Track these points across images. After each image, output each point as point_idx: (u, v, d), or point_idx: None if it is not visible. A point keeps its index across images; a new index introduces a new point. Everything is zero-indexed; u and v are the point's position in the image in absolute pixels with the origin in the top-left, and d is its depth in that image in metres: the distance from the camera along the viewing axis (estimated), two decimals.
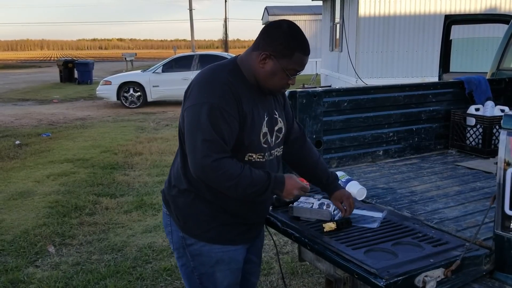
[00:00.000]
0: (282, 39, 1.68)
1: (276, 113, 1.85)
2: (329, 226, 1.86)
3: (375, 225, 1.93)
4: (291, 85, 1.79)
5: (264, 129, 1.76)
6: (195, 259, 1.83)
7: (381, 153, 3.11)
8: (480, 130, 3.13)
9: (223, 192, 1.69)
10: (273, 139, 1.82)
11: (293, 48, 1.69)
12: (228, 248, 1.82)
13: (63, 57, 41.83)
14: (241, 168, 1.65)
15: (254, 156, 1.75)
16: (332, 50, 14.63)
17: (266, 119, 1.77)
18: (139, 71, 14.48)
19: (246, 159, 1.73)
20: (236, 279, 1.90)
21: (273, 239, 2.30)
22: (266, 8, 25.23)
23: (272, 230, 2.11)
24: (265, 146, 1.77)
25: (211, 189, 1.72)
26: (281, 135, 1.87)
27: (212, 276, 1.83)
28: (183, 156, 1.78)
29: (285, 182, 1.74)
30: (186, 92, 1.74)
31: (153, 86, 12.47)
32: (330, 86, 13.90)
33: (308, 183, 1.88)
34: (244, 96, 1.69)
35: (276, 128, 1.83)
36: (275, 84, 1.74)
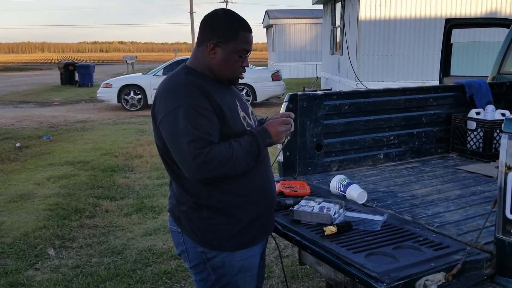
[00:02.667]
0: (222, 24, 1.73)
1: (243, 99, 1.92)
2: (330, 229, 1.86)
3: (375, 228, 1.92)
4: (246, 68, 1.82)
5: (241, 113, 1.80)
6: (217, 272, 1.81)
7: (381, 156, 3.11)
8: (481, 134, 3.13)
9: (231, 174, 1.68)
10: (252, 122, 1.86)
11: (236, 29, 1.74)
12: (248, 253, 1.82)
13: (64, 59, 41.94)
14: (230, 145, 1.66)
15: None
16: (333, 54, 14.65)
17: (238, 104, 1.81)
18: (140, 74, 14.49)
19: None
20: (254, 284, 1.93)
21: (275, 241, 2.28)
22: (266, 12, 25.24)
23: (273, 234, 2.11)
24: (248, 128, 1.80)
25: (218, 193, 1.73)
26: (256, 118, 1.93)
27: (235, 285, 1.84)
28: (173, 173, 1.78)
29: (268, 128, 1.78)
30: (153, 109, 1.74)
31: (154, 89, 12.41)
32: (330, 89, 13.92)
33: (288, 118, 1.85)
34: (211, 90, 1.70)
35: (250, 111, 1.89)
36: (231, 70, 1.77)
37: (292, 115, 1.90)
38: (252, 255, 1.85)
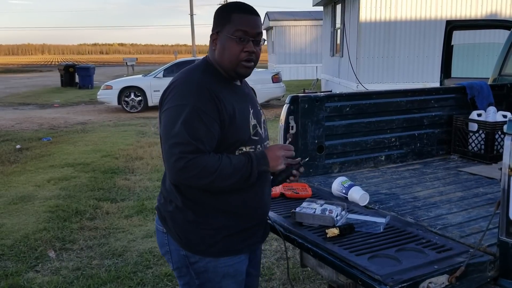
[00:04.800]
0: (218, 12, 1.69)
1: (258, 106, 1.83)
2: (332, 231, 1.85)
3: (378, 230, 1.91)
4: (253, 54, 1.65)
5: (253, 121, 1.71)
6: (200, 277, 1.75)
7: (383, 158, 3.11)
8: (483, 135, 3.13)
9: (211, 189, 1.62)
10: (263, 131, 1.78)
11: (229, 12, 1.65)
12: (233, 260, 1.75)
13: (64, 61, 41.93)
14: (219, 159, 1.58)
15: (244, 150, 1.69)
16: (333, 55, 14.65)
17: (251, 111, 1.72)
18: (140, 75, 14.50)
19: (236, 153, 1.67)
20: None
21: (285, 244, 2.04)
22: (267, 14, 25.28)
23: (275, 236, 2.10)
24: (256, 138, 1.71)
25: (209, 197, 1.67)
26: (266, 127, 1.85)
27: None
28: None
29: (267, 155, 1.67)
30: (162, 96, 1.69)
31: (154, 91, 12.48)
32: (330, 91, 13.92)
33: (290, 147, 1.77)
34: (224, 94, 1.63)
35: (262, 119, 1.80)
36: (229, 57, 1.65)
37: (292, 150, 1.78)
38: (238, 261, 1.77)
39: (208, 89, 1.60)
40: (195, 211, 1.69)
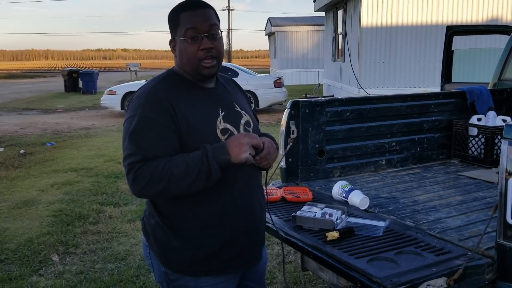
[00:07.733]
0: (168, 18, 1.62)
1: (237, 106, 1.67)
2: (332, 235, 1.87)
3: (378, 234, 1.94)
4: (212, 50, 1.55)
5: (222, 125, 1.58)
6: None
7: (383, 162, 3.13)
8: (482, 140, 3.15)
9: (173, 194, 1.51)
10: None
11: (176, 13, 1.58)
12: (216, 279, 1.63)
13: (68, 67, 42.12)
14: (169, 160, 1.47)
15: None
16: (335, 61, 14.70)
17: (222, 114, 1.59)
18: (143, 81, 14.56)
19: None
20: None
21: (283, 248, 2.07)
22: (269, 19, 25.39)
23: (276, 240, 2.12)
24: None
25: (185, 214, 1.59)
26: (250, 129, 1.67)
27: None
28: None
29: (228, 143, 1.48)
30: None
31: None
32: (332, 96, 13.96)
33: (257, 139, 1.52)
34: (182, 100, 1.54)
35: (242, 121, 1.65)
36: (190, 60, 1.55)
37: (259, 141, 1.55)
38: (223, 281, 1.65)
39: (159, 97, 1.53)
40: (171, 228, 1.61)
